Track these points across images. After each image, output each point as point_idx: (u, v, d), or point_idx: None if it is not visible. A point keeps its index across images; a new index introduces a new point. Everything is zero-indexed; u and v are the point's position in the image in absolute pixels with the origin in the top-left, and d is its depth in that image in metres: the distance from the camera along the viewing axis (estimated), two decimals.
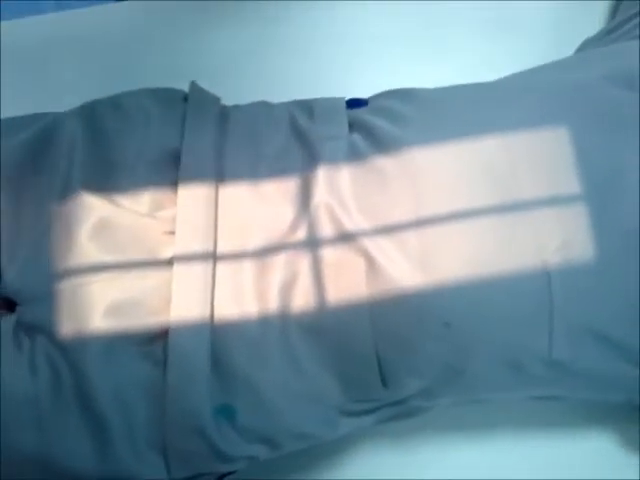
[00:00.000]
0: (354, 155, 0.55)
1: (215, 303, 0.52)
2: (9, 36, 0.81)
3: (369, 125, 0.57)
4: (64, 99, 0.62)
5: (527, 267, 0.50)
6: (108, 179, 0.55)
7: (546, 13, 0.81)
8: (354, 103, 0.61)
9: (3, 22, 0.83)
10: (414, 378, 0.53)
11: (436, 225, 0.52)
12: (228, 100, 0.63)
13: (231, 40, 0.82)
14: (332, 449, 0.67)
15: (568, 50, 0.69)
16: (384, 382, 0.53)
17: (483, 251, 0.51)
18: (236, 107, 0.63)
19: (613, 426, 0.66)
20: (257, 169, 0.56)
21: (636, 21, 0.63)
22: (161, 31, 0.84)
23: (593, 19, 0.73)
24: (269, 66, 0.81)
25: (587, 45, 0.68)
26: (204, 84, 0.63)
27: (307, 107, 0.60)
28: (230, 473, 0.56)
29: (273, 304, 0.52)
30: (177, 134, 0.57)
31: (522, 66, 0.62)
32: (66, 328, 0.51)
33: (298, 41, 0.82)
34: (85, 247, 0.52)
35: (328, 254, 0.52)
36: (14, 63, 0.80)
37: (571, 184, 0.51)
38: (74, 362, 0.50)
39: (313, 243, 0.53)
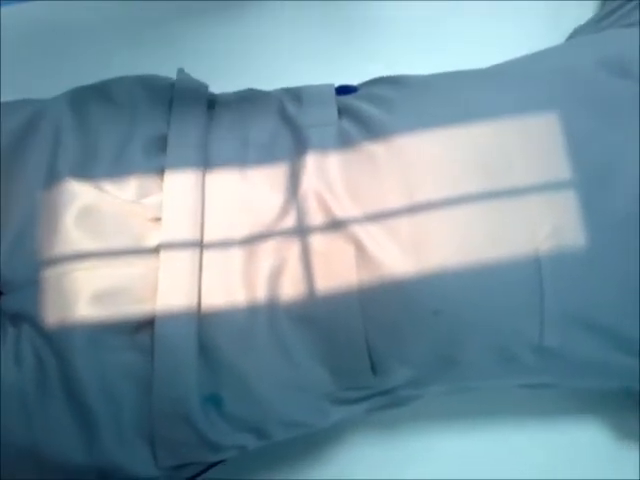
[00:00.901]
0: (344, 141, 0.55)
1: (202, 291, 0.52)
2: (9, 21, 0.81)
3: (359, 111, 0.56)
4: (61, 86, 0.62)
5: (518, 254, 0.50)
6: (94, 165, 0.54)
7: (536, 5, 0.80)
8: (343, 90, 0.61)
9: (3, 8, 0.82)
10: (404, 366, 0.53)
11: (427, 212, 0.51)
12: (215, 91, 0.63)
13: (219, 37, 0.82)
14: (322, 440, 0.67)
15: (560, 39, 0.69)
16: (374, 370, 0.53)
17: (474, 238, 0.51)
18: (223, 94, 0.62)
19: (605, 415, 0.66)
20: (245, 156, 0.56)
21: (626, 9, 0.63)
22: (154, 25, 0.83)
23: (585, 8, 0.73)
24: (258, 63, 0.81)
25: (577, 33, 0.68)
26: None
27: (295, 94, 0.60)
28: (218, 462, 0.56)
29: (261, 292, 0.52)
30: (164, 120, 0.56)
31: (514, 55, 0.62)
32: (51, 316, 0.50)
33: (286, 36, 0.82)
34: (70, 234, 0.51)
35: (317, 241, 0.52)
36: (13, 48, 0.80)
37: (563, 171, 0.51)
38: (59, 351, 0.50)
39: (302, 230, 0.52)
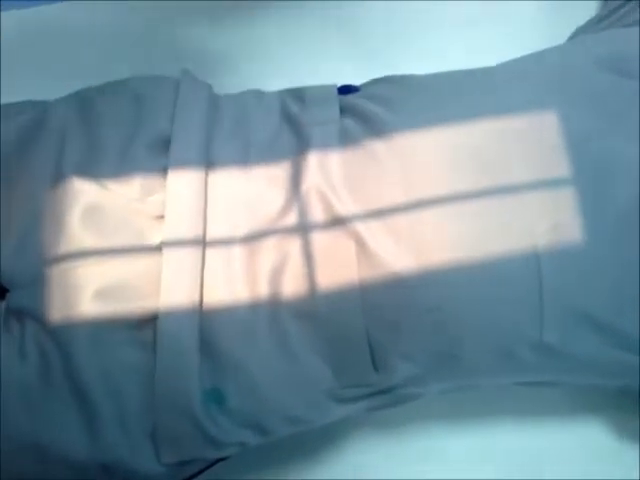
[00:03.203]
0: (345, 139, 0.55)
1: (204, 288, 0.52)
2: (10, 26, 0.82)
3: (360, 110, 0.57)
4: (64, 89, 0.63)
5: (517, 250, 0.50)
6: (99, 164, 0.55)
7: (537, 5, 0.81)
8: (346, 90, 0.61)
9: (4, 12, 0.83)
10: (405, 363, 0.53)
11: (427, 209, 0.52)
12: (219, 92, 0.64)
13: (224, 38, 0.83)
14: (325, 440, 0.67)
15: (561, 40, 0.69)
16: (375, 367, 0.53)
17: (473, 234, 0.51)
18: (227, 95, 0.63)
19: (608, 413, 0.66)
20: (247, 155, 0.56)
21: (625, 9, 0.64)
22: (157, 27, 0.84)
23: (586, 9, 0.73)
24: (261, 65, 0.81)
25: (578, 34, 0.68)
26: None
27: (298, 94, 0.61)
28: (220, 460, 0.56)
29: (263, 288, 0.52)
30: (168, 120, 0.57)
31: (515, 55, 0.62)
32: (55, 312, 0.51)
33: (289, 37, 0.83)
34: (75, 231, 0.52)
35: (318, 238, 0.52)
36: (14, 53, 0.81)
37: (561, 168, 0.51)
38: (63, 346, 0.50)
39: (303, 227, 0.53)
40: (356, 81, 0.63)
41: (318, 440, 0.66)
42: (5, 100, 0.64)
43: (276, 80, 0.66)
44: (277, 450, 0.64)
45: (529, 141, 0.53)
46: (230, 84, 0.65)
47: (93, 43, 0.83)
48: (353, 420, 0.61)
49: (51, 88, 0.64)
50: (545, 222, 0.50)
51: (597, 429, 0.66)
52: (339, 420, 0.56)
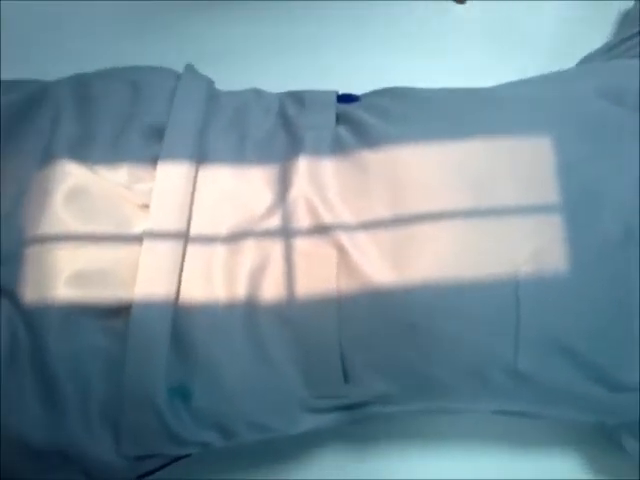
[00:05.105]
0: (338, 146, 0.55)
1: (182, 282, 0.52)
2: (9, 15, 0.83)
3: (356, 119, 0.57)
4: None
5: (496, 274, 0.49)
6: (90, 148, 0.55)
7: (549, 28, 0.81)
8: (347, 98, 0.61)
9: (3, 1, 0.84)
10: (377, 379, 0.52)
11: (411, 224, 0.51)
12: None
13: (226, 37, 0.83)
14: (294, 452, 0.66)
15: (572, 63, 0.69)
16: (346, 378, 0.52)
17: (455, 255, 0.50)
18: (227, 92, 0.63)
19: (579, 447, 0.65)
20: (242, 151, 0.56)
21: (635, 40, 0.63)
22: (156, 26, 0.85)
23: (596, 34, 0.73)
24: (265, 65, 0.82)
25: (588, 60, 0.68)
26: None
27: (298, 98, 0.61)
28: (182, 457, 0.55)
29: (241, 288, 0.52)
30: (164, 109, 0.57)
31: (524, 76, 0.62)
32: (29, 293, 0.51)
33: (295, 41, 0.84)
34: (58, 213, 0.52)
35: (301, 243, 0.52)
36: (13, 40, 0.82)
37: (550, 194, 0.51)
38: (33, 327, 0.50)
39: (287, 231, 0.52)
40: (355, 89, 0.63)
41: (287, 450, 0.65)
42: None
43: (279, 82, 0.66)
44: (242, 455, 0.63)
45: (520, 164, 0.52)
46: (228, 82, 0.64)
47: (95, 40, 0.84)
48: (322, 431, 0.60)
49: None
50: (528, 248, 0.50)
51: (573, 462, 0.64)
52: (310, 432, 0.55)
